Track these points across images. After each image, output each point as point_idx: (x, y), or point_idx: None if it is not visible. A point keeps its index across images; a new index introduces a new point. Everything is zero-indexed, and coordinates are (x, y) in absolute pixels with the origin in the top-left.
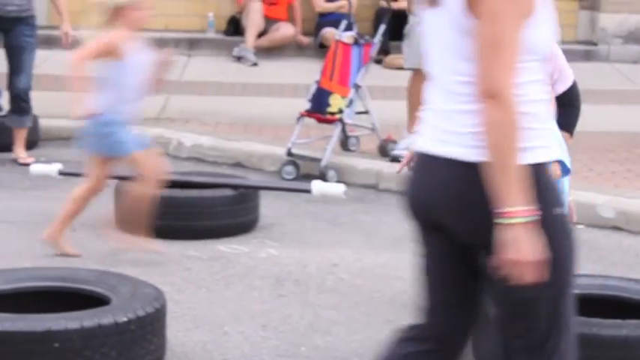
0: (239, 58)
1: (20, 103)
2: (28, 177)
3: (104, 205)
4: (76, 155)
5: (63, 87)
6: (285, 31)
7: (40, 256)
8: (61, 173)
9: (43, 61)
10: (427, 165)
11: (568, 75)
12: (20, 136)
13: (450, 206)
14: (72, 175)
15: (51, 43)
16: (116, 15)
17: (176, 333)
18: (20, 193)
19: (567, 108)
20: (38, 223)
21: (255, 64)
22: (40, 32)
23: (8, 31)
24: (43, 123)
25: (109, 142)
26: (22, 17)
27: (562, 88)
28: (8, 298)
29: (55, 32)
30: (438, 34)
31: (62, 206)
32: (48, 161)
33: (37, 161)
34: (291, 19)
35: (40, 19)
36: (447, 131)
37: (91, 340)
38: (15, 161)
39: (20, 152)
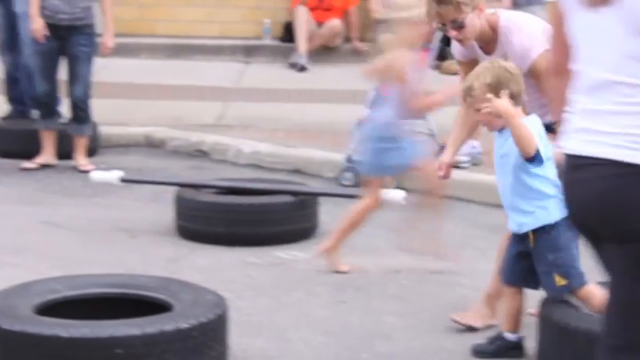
0: (293, 65)
1: (78, 111)
2: (88, 184)
3: (162, 212)
4: (135, 162)
5: (121, 94)
6: (331, 25)
7: (101, 262)
8: (122, 180)
9: (102, 69)
10: (579, 167)
11: None
12: (80, 144)
13: (603, 208)
14: (132, 182)
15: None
16: (402, 31)
17: (237, 339)
18: (81, 200)
19: None
20: (99, 231)
21: (303, 68)
22: (99, 40)
23: (65, 40)
24: (103, 130)
25: (392, 158)
26: (76, 26)
27: None
28: (72, 305)
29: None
30: (601, 34)
31: (340, 221)
32: (108, 168)
33: (98, 168)
34: (347, 26)
35: (100, 27)
36: (602, 132)
37: (154, 347)
38: (75, 168)
39: (81, 160)
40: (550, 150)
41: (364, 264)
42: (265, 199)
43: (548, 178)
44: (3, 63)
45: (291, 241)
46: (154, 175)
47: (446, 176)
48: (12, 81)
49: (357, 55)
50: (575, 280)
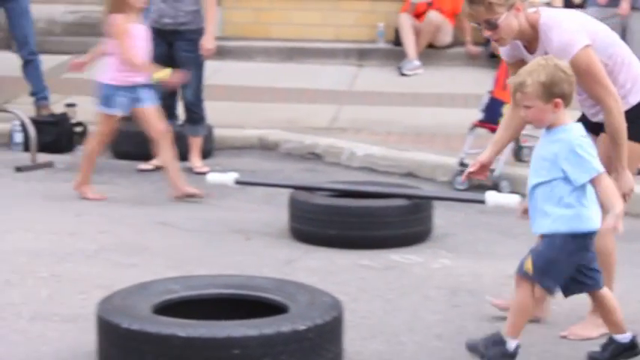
0: (402, 70)
1: (191, 114)
2: (203, 185)
3: (276, 215)
4: (248, 165)
5: (236, 97)
6: (429, 18)
7: (216, 263)
8: (237, 182)
9: (215, 72)
10: None
11: None
12: (195, 145)
13: None
14: (247, 184)
15: (223, 54)
16: None
17: (352, 342)
18: (196, 201)
19: None
20: (214, 232)
21: (418, 70)
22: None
23: (171, 45)
24: (217, 133)
25: None
26: (180, 31)
27: (636, 99)
28: (188, 305)
29: (227, 44)
30: None
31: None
32: (223, 170)
33: (213, 170)
34: (459, 29)
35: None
36: None
37: (270, 348)
38: (190, 170)
39: (196, 161)
40: (595, 154)
41: (479, 269)
42: (380, 203)
43: (584, 191)
44: None
45: (406, 244)
46: (268, 177)
47: (479, 175)
48: None
49: (471, 59)
50: (541, 277)
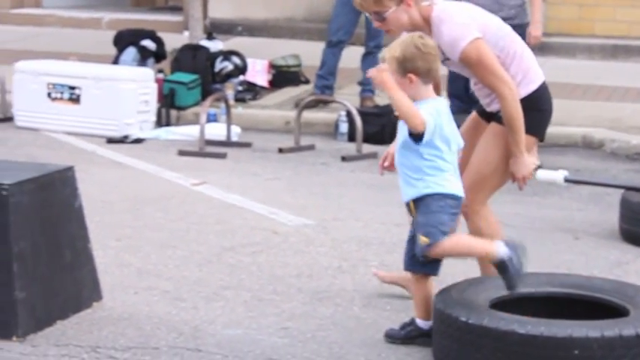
0: None
1: None
2: (528, 183)
3: (604, 215)
4: (572, 163)
5: (558, 94)
6: None
7: (543, 261)
8: (567, 180)
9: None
10: None
11: (534, 78)
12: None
13: None
14: (577, 182)
15: (545, 50)
16: None
17: None
18: (520, 198)
19: (533, 112)
20: (540, 230)
21: None
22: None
23: None
24: None
25: None
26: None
27: (526, 90)
28: (523, 302)
29: (550, 40)
30: None
31: None
32: (543, 167)
33: (542, 167)
34: None
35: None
36: None
37: (611, 351)
38: None
39: None
40: (456, 136)
41: None
42: None
43: (437, 159)
44: None
45: None
46: (593, 176)
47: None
48: (454, 77)
49: None
50: (435, 237)
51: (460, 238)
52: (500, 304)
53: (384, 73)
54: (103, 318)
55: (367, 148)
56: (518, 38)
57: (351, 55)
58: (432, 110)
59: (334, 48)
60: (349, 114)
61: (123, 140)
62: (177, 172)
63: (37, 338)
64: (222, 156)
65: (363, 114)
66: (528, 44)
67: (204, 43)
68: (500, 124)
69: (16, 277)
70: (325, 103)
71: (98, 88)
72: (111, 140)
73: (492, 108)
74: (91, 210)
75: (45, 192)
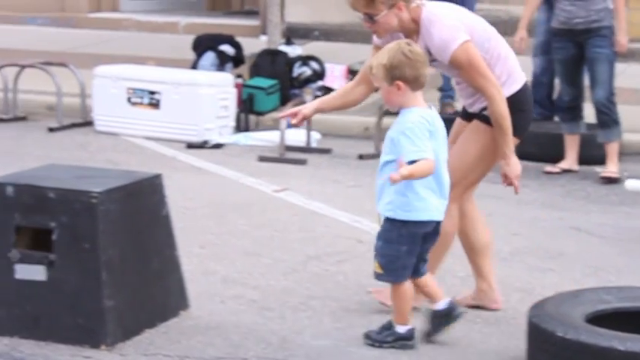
0: None
1: (601, 115)
2: (613, 191)
3: None
4: None
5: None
6: None
7: (638, 274)
8: None
9: (620, 74)
10: None
11: (517, 78)
12: (610, 150)
13: None
14: None
15: (628, 56)
16: None
17: None
18: (608, 207)
19: (517, 113)
20: (629, 240)
21: None
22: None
23: (580, 45)
24: (624, 137)
25: None
26: (591, 29)
27: (510, 91)
28: (620, 317)
29: (633, 46)
30: None
31: None
32: (631, 176)
33: (630, 176)
34: None
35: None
36: None
37: None
38: (598, 175)
39: (610, 166)
40: (444, 147)
41: None
42: None
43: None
44: (533, 65)
45: None
46: None
47: (294, 120)
48: (538, 84)
49: None
50: (390, 274)
51: (406, 292)
52: (595, 319)
53: (402, 172)
54: (190, 327)
55: None
56: (503, 40)
57: None
58: (420, 121)
59: None
60: None
61: (202, 145)
62: (258, 178)
63: (126, 347)
64: (303, 162)
65: (444, 120)
66: (616, 52)
67: (283, 48)
68: (481, 122)
69: (105, 285)
70: None
71: (178, 93)
72: (191, 145)
73: (474, 108)
74: (173, 216)
75: (133, 200)
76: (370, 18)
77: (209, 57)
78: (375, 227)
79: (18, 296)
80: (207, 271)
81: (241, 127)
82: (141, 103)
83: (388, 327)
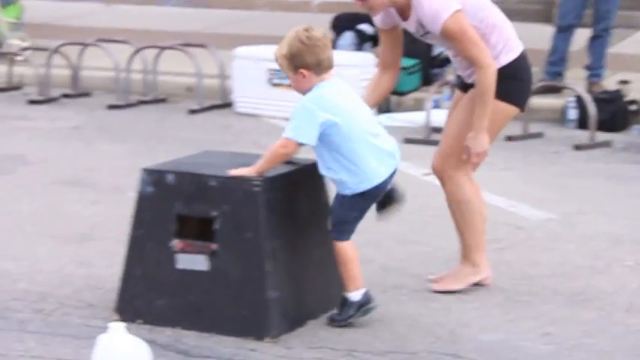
0: None
1: None
2: None
3: None
4: None
5: None
6: None
7: None
8: None
9: None
10: None
11: (514, 47)
12: None
13: None
14: None
15: None
16: None
17: None
18: None
19: (514, 81)
20: None
21: None
22: None
23: None
24: None
25: None
26: None
27: (506, 59)
28: None
29: None
30: None
31: None
32: None
33: None
34: None
35: None
36: None
37: None
38: None
39: None
40: (360, 107)
41: None
42: None
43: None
44: None
45: None
46: None
47: None
48: None
49: None
50: (337, 233)
51: (351, 255)
52: None
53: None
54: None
55: (599, 136)
56: (497, 9)
57: (575, 38)
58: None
59: (564, 32)
60: (579, 100)
61: None
62: (406, 162)
63: (291, 339)
64: None
65: (595, 101)
66: None
67: None
68: None
69: (269, 275)
70: (556, 90)
71: None
72: None
73: (472, 79)
74: None
75: (295, 187)
76: None
77: (348, 36)
78: (533, 213)
79: (180, 286)
80: (365, 259)
81: (382, 107)
82: (282, 84)
83: (344, 302)
